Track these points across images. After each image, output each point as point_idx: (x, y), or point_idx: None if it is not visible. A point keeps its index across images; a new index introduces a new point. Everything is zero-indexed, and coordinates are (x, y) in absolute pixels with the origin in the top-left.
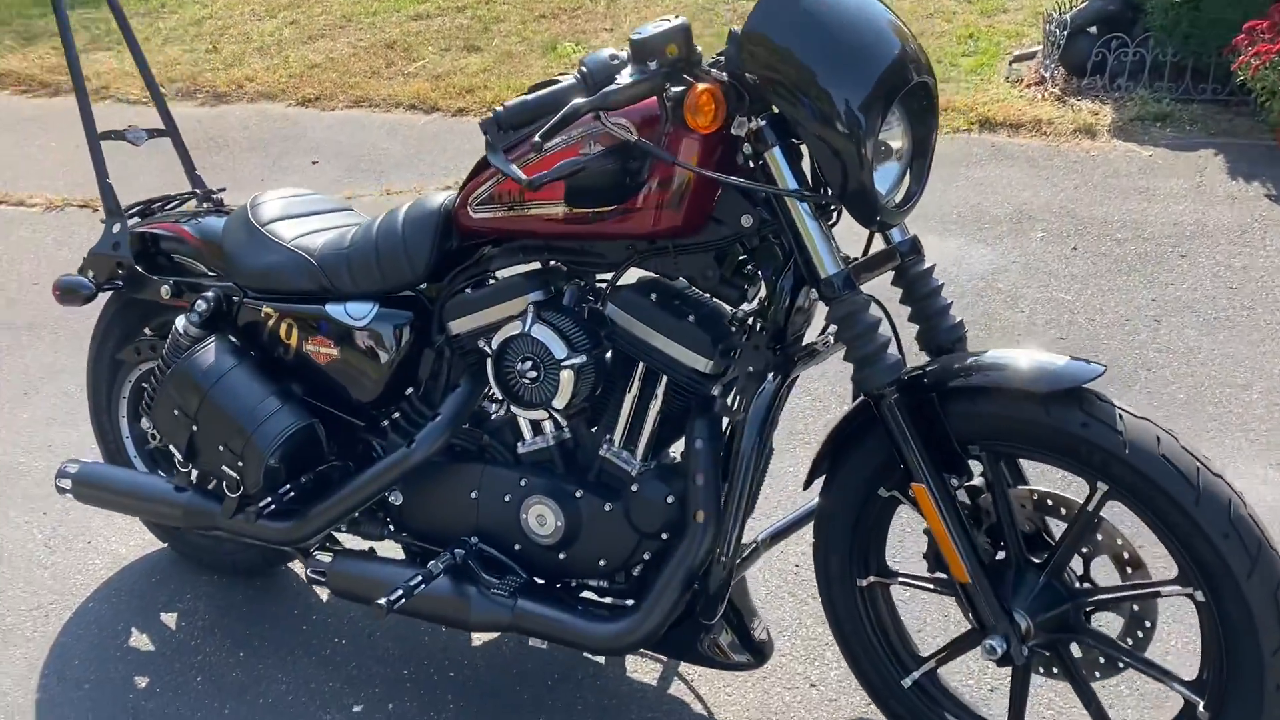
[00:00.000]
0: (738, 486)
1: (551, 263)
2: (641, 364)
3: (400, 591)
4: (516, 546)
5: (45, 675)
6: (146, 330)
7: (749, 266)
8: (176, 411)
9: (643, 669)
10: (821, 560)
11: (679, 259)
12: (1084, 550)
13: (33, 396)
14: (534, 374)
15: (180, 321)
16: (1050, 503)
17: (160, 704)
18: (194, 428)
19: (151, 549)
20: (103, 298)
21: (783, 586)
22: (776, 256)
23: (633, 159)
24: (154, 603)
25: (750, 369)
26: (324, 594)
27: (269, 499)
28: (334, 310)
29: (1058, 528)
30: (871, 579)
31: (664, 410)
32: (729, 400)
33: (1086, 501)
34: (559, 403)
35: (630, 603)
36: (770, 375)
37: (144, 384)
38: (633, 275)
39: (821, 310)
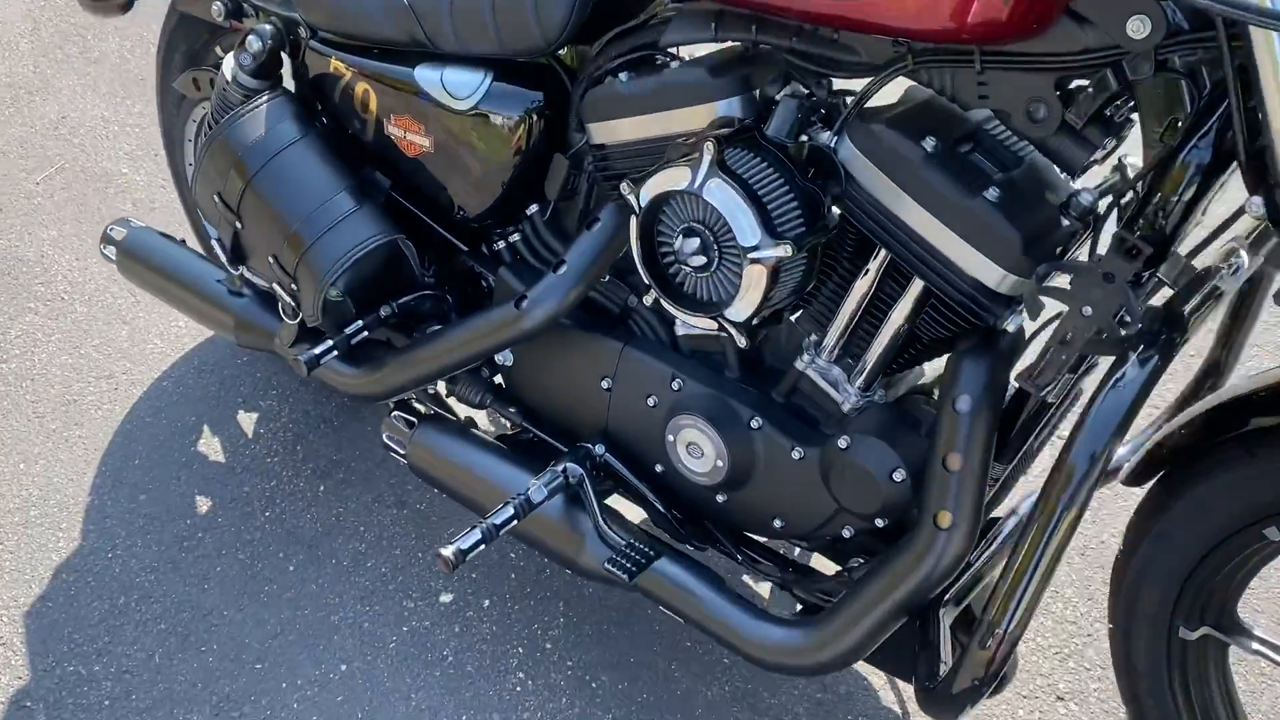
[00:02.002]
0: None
1: (763, 47)
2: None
3: (479, 535)
4: (658, 468)
5: (101, 474)
6: (218, 51)
7: (1119, 108)
8: (216, 198)
9: None
10: (1131, 583)
11: (988, 76)
12: None
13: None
14: (702, 259)
15: (228, 64)
16: None
17: (217, 541)
18: (237, 224)
19: None
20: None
21: None
22: (1179, 103)
23: None
24: (234, 395)
25: (1085, 312)
26: None
27: (330, 341)
28: (425, 78)
29: None
30: (1206, 631)
31: (912, 326)
32: (1041, 356)
33: None
34: (737, 313)
35: (833, 573)
36: (1139, 348)
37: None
38: (895, 92)
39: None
